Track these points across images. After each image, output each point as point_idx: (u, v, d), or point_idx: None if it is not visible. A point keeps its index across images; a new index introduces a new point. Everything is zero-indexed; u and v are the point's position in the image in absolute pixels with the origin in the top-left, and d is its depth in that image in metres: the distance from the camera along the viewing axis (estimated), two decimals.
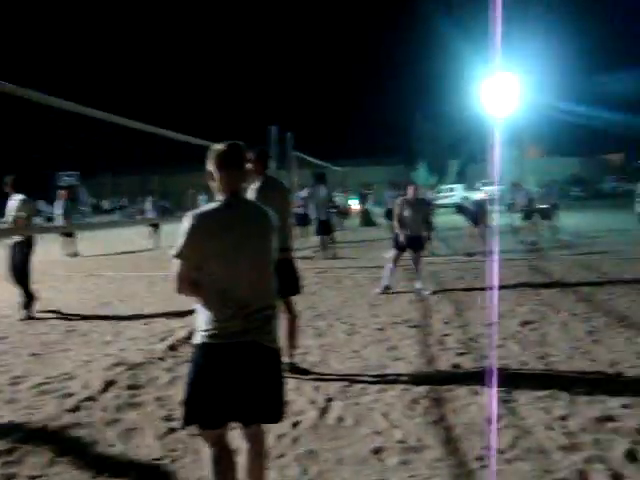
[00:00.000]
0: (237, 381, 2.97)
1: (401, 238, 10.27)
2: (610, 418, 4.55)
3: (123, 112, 7.16)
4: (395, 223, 10.47)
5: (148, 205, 21.55)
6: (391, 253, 10.55)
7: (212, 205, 3.10)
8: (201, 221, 2.99)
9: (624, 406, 4.77)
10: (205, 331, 3.00)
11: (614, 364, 5.86)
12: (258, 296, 3.06)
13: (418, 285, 10.20)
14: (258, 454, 3.24)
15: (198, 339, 3.03)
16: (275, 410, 3.15)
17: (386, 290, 10.25)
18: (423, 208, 10.71)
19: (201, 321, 3.03)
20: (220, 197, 3.14)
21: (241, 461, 3.23)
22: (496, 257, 10.03)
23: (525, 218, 18.19)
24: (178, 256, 2.98)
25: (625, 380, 5.43)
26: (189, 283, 3.01)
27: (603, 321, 7.65)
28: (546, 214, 17.97)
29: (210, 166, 3.16)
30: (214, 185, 3.17)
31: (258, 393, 3.03)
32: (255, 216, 3.19)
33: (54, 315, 8.96)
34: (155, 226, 20.25)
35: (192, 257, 2.97)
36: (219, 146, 3.17)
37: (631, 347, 6.43)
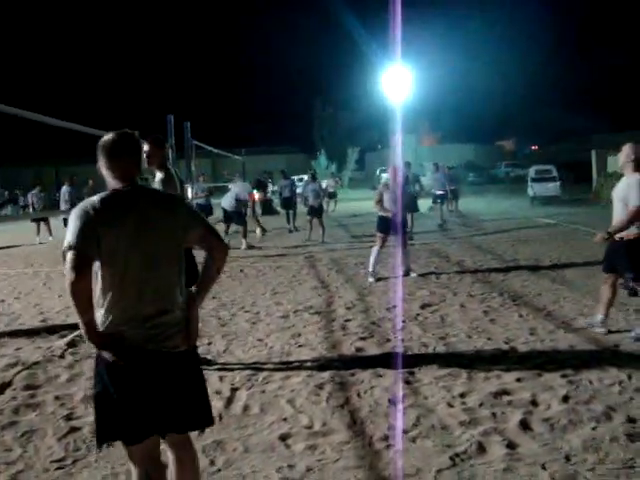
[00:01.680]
0: (145, 390, 2.73)
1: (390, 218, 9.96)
2: (506, 392, 4.76)
3: (17, 102, 6.87)
4: (377, 206, 10.18)
5: (34, 198, 20.68)
6: (377, 237, 10.31)
7: (102, 194, 2.84)
8: (95, 211, 2.73)
9: (518, 380, 5.00)
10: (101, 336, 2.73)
11: (509, 341, 6.11)
12: (158, 297, 2.78)
13: (402, 266, 10.11)
14: (189, 461, 3.00)
15: (94, 349, 2.78)
16: (194, 416, 2.93)
17: (375, 276, 10.02)
18: (403, 191, 10.42)
19: (100, 325, 2.74)
20: (111, 186, 2.91)
21: (172, 472, 2.98)
22: (397, 242, 10.18)
23: (434, 202, 18.80)
24: (70, 247, 2.67)
25: (519, 355, 5.68)
26: (86, 277, 2.68)
27: (499, 301, 7.97)
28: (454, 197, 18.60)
29: (102, 157, 2.92)
30: (108, 177, 2.92)
31: (173, 400, 2.79)
32: (155, 205, 2.91)
33: None
34: (43, 220, 19.44)
35: (86, 248, 2.67)
36: (110, 135, 2.94)
37: (524, 324, 6.73)
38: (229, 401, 4.87)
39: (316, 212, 16.46)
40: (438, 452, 3.82)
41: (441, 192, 18.62)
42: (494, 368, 5.32)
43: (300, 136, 65.10)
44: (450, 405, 4.56)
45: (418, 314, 7.42)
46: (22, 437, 4.35)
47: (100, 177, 2.99)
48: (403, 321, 7.07)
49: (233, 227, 15.81)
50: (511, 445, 3.88)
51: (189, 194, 17.17)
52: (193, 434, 4.18)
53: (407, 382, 5.08)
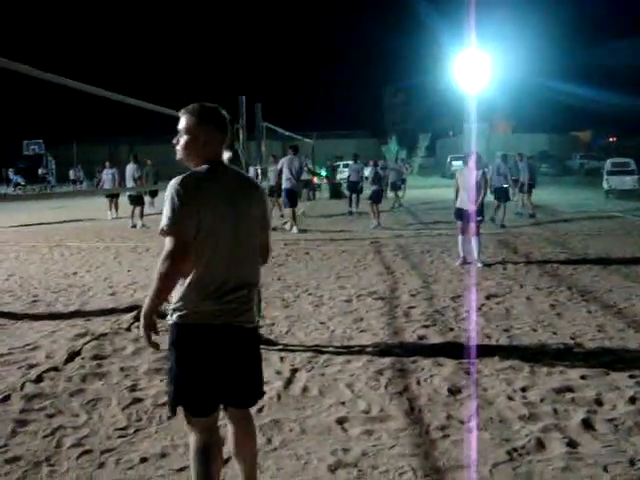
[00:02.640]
0: (215, 363, 2.80)
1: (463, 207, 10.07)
2: (569, 389, 4.64)
3: (94, 81, 7.03)
4: (455, 194, 10.25)
5: (106, 175, 21.21)
6: (457, 224, 10.36)
7: (198, 171, 2.80)
8: (194, 186, 2.71)
9: (583, 377, 4.88)
10: (179, 310, 2.77)
11: (575, 337, 5.97)
12: (238, 274, 2.81)
13: (475, 255, 10.09)
14: (249, 435, 3.07)
15: (173, 318, 2.79)
16: (255, 391, 3.02)
17: (464, 261, 10.09)
18: (482, 179, 10.34)
19: (176, 299, 2.77)
20: (198, 165, 2.85)
21: (231, 444, 3.07)
22: (465, 233, 10.07)
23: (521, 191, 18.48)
24: (170, 229, 2.65)
25: (585, 352, 5.54)
26: (185, 263, 2.68)
27: (567, 295, 7.78)
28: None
29: (191, 126, 2.83)
30: (194, 150, 2.85)
31: (238, 375, 2.87)
32: (243, 186, 2.92)
33: (19, 286, 8.85)
34: (115, 196, 19.95)
35: (189, 228, 2.67)
36: (206, 104, 2.88)
37: (592, 320, 6.56)
38: (289, 382, 4.91)
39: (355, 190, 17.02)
40: (495, 445, 3.77)
41: (529, 182, 18.16)
42: (558, 363, 5.21)
43: (371, 121, 64.82)
44: (510, 398, 4.48)
45: (483, 304, 7.32)
46: (88, 404, 4.51)
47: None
48: (467, 311, 6.99)
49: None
50: (572, 444, 3.78)
51: (251, 174, 17.32)
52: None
53: (467, 373, 5.03)
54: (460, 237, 10.25)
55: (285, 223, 16.06)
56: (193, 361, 2.79)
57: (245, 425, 3.05)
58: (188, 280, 2.74)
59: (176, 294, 2.77)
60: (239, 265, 2.83)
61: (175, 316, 2.78)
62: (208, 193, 2.73)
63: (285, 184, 15.39)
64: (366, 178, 19.53)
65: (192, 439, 2.90)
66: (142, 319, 2.74)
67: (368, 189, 16.77)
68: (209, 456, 2.86)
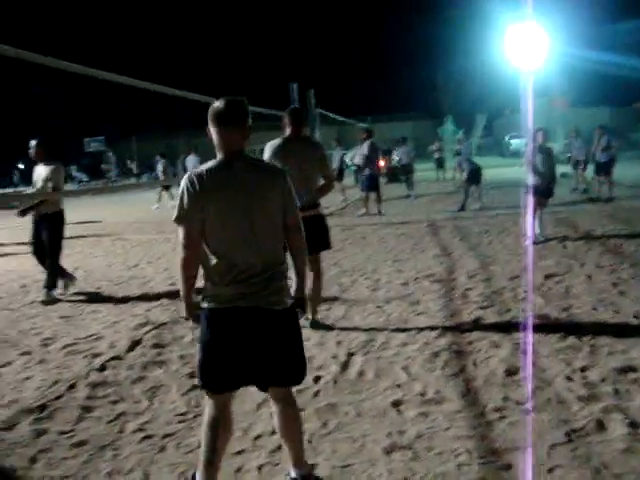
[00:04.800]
0: (242, 345, 2.94)
1: (539, 184, 10.05)
2: (631, 369, 4.53)
3: (146, 76, 7.17)
4: (530, 170, 10.14)
5: (159, 166, 21.65)
6: (530, 200, 10.15)
7: (210, 164, 3.02)
8: (198, 180, 2.92)
9: None
10: (207, 295, 2.99)
11: (639, 315, 5.82)
12: (258, 258, 2.94)
13: (537, 230, 10.09)
14: (288, 416, 3.17)
15: (203, 303, 3.02)
16: (291, 372, 3.10)
17: (538, 239, 10.00)
18: (550, 156, 10.47)
19: (204, 284, 3.01)
20: (219, 154, 3.05)
21: (275, 423, 3.22)
22: (522, 212, 9.92)
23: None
24: (180, 220, 2.94)
25: None
26: (196, 251, 2.95)
27: (630, 272, 7.58)
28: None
29: (210, 124, 3.06)
30: (216, 145, 3.07)
31: (267, 356, 2.97)
32: (255, 173, 3.04)
33: (83, 279, 9.10)
34: (166, 188, 20.34)
35: (193, 218, 2.91)
36: (216, 102, 3.06)
37: None
38: (345, 366, 4.94)
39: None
40: (553, 427, 3.71)
41: (582, 158, 17.77)
42: (619, 343, 5.09)
43: (426, 103, 64.01)
44: (569, 379, 4.41)
45: (542, 284, 7.19)
46: (149, 391, 4.64)
47: (208, 145, 3.14)
48: (525, 291, 6.88)
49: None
50: (634, 425, 3.69)
51: None
52: (308, 396, 4.33)
53: (525, 353, 4.96)
54: (533, 214, 10.05)
55: (344, 208, 16.05)
56: (214, 342, 2.99)
57: (285, 406, 3.17)
58: (207, 267, 2.98)
59: (203, 282, 3.00)
60: (255, 249, 2.96)
61: (203, 301, 3.02)
62: (216, 184, 2.93)
63: (369, 171, 15.38)
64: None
65: (205, 411, 3.12)
66: (182, 302, 3.10)
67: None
68: (215, 429, 3.03)
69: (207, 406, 3.10)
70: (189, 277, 3.01)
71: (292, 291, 3.17)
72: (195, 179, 2.93)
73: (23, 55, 4.80)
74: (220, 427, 3.05)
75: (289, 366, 3.09)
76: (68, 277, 8.24)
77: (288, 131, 5.89)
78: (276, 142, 5.83)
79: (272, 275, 2.99)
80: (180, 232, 2.94)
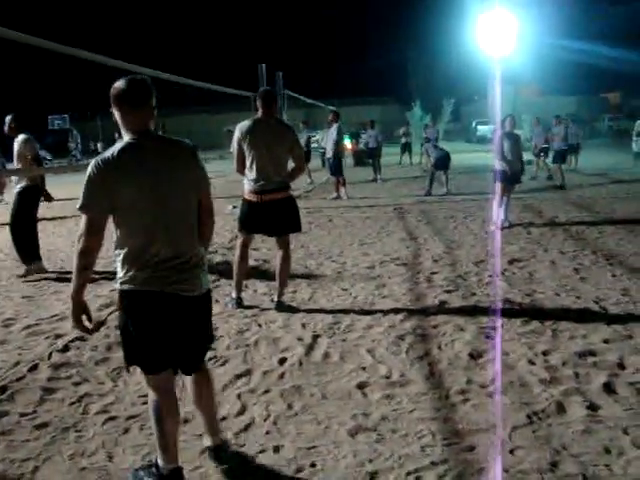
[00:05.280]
0: (158, 326, 2.94)
1: (507, 170, 10.11)
2: (591, 352, 4.62)
3: (113, 53, 7.05)
4: (497, 157, 10.18)
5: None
6: (497, 186, 10.27)
7: (117, 147, 2.86)
8: (106, 166, 2.78)
9: (605, 341, 4.85)
10: (120, 278, 2.93)
11: (599, 300, 5.93)
12: (171, 243, 2.90)
13: (502, 216, 10.16)
14: (203, 385, 3.27)
15: (117, 285, 2.97)
16: (191, 358, 3.17)
17: (503, 224, 10.03)
18: (519, 142, 10.63)
19: (117, 268, 2.95)
20: (125, 138, 2.91)
21: (191, 395, 3.31)
22: (487, 197, 10.03)
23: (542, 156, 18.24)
24: (83, 208, 2.81)
25: (609, 316, 5.50)
26: (97, 240, 2.84)
27: (591, 259, 7.72)
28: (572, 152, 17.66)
29: (114, 107, 2.91)
30: (122, 127, 2.93)
31: (182, 340, 3.02)
32: (166, 152, 2.95)
33: (46, 258, 8.96)
34: None
35: (97, 206, 2.80)
36: (117, 83, 2.91)
37: (617, 284, 6.50)
38: (310, 348, 4.95)
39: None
40: (515, 409, 3.77)
41: (564, 148, 17.79)
42: (581, 327, 5.18)
43: (395, 87, 64.05)
44: (531, 362, 4.48)
45: (506, 269, 7.28)
46: (113, 372, 4.59)
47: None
48: (490, 276, 6.96)
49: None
50: (592, 407, 3.77)
51: None
52: (273, 378, 4.33)
53: (489, 337, 5.02)
54: (499, 200, 10.14)
55: (310, 191, 16.03)
56: (136, 323, 2.95)
57: (200, 376, 3.25)
58: (120, 251, 2.91)
59: (117, 266, 2.94)
60: (167, 233, 2.90)
61: (118, 283, 2.95)
62: (125, 168, 2.80)
63: (331, 153, 15.31)
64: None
65: (149, 395, 3.11)
66: (71, 302, 2.96)
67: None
68: (163, 408, 3.02)
69: (150, 391, 3.09)
70: (85, 267, 2.88)
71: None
72: (102, 164, 2.79)
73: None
74: (165, 411, 3.03)
75: (193, 351, 3.15)
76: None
77: (259, 113, 5.86)
78: (246, 123, 5.81)
79: (187, 262, 2.96)
80: (83, 220, 2.82)
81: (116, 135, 21.00)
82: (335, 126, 15.36)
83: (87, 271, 2.90)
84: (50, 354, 4.97)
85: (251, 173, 5.77)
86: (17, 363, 4.82)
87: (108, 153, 2.84)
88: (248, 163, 5.78)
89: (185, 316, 2.99)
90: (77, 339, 5.30)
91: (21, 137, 7.83)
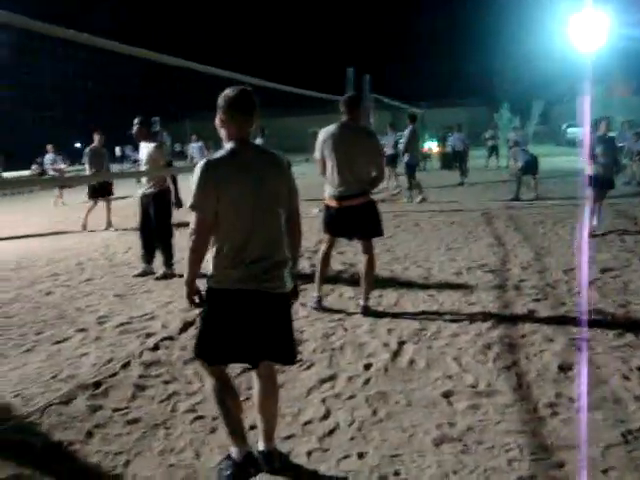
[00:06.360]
0: (241, 324, 3.10)
1: (599, 175, 9.88)
2: None
3: (200, 58, 7.20)
4: (589, 161, 9.98)
5: (191, 149, 21.86)
6: (588, 193, 10.08)
7: (221, 152, 3.11)
8: (212, 170, 3.01)
9: None
10: (211, 276, 3.12)
11: None
12: (263, 245, 3.09)
13: (595, 222, 9.95)
14: (269, 392, 3.36)
15: (206, 283, 3.15)
16: (283, 350, 3.27)
17: (593, 232, 9.79)
18: (613, 147, 10.36)
19: (210, 266, 3.13)
20: (228, 144, 3.14)
21: (255, 399, 3.38)
22: (578, 202, 9.73)
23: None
24: (194, 208, 3.03)
25: None
26: (208, 237, 3.07)
27: None
28: None
29: (222, 113, 3.15)
30: (223, 133, 3.18)
31: (263, 334, 3.15)
32: (265, 163, 3.17)
33: (137, 258, 9.23)
34: None
35: (208, 207, 3.01)
36: (227, 91, 3.15)
37: None
38: (395, 354, 4.93)
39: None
40: (608, 426, 3.64)
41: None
42: None
43: (483, 89, 62.95)
44: (626, 377, 4.31)
45: (598, 278, 7.04)
46: (201, 372, 4.68)
47: (211, 132, 3.24)
48: (581, 285, 6.75)
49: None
50: None
51: None
52: (358, 384, 4.34)
53: (579, 349, 4.87)
54: (592, 206, 9.86)
55: (397, 194, 15.95)
56: (216, 319, 3.15)
57: (267, 382, 3.35)
58: (215, 250, 3.09)
59: (209, 263, 3.13)
60: (261, 235, 3.10)
61: (208, 281, 3.15)
62: (227, 172, 3.03)
63: (408, 157, 15.24)
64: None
65: (208, 382, 3.36)
66: (185, 287, 3.19)
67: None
68: (225, 392, 3.26)
69: (207, 380, 3.34)
70: (196, 261, 3.12)
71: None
72: (212, 167, 3.03)
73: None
74: (226, 395, 3.25)
75: (282, 344, 3.25)
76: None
77: (344, 118, 5.89)
78: (329, 128, 5.89)
79: (276, 262, 3.14)
80: (193, 218, 3.04)
81: (193, 138, 21.53)
82: (410, 128, 15.23)
83: (199, 264, 3.13)
84: (141, 352, 5.14)
85: (331, 178, 5.85)
86: (110, 360, 5.01)
87: (215, 156, 3.11)
88: (329, 168, 5.86)
89: (272, 312, 3.18)
90: (166, 338, 5.46)
91: (153, 143, 7.95)
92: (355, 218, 5.86)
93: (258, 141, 20.97)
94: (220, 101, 3.15)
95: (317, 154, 5.98)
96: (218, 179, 2.99)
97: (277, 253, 3.16)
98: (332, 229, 6.04)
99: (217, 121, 3.19)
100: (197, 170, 3.04)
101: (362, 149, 5.77)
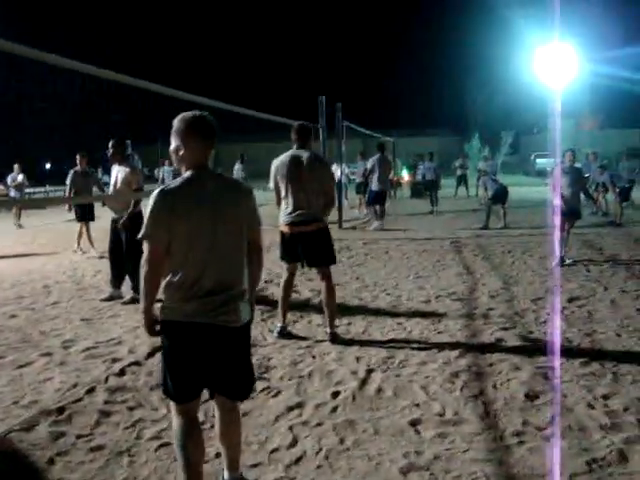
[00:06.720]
0: (197, 357, 2.99)
1: (563, 206, 9.88)
2: None
3: (171, 82, 7.20)
4: (553, 191, 10.07)
5: (163, 173, 21.78)
6: (557, 221, 10.02)
7: (179, 180, 2.98)
8: (166, 199, 2.90)
9: None
10: (163, 308, 2.99)
11: None
12: (218, 277, 2.97)
13: (562, 252, 9.95)
14: (231, 422, 3.27)
15: (159, 315, 3.03)
16: (239, 386, 3.20)
17: (561, 262, 9.78)
18: (579, 177, 10.47)
19: (164, 297, 3.00)
20: (185, 172, 3.03)
21: (217, 428, 3.31)
22: (546, 232, 9.85)
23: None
24: (145, 238, 2.92)
25: None
26: (160, 266, 2.94)
27: None
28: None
29: (175, 137, 3.01)
30: (178, 159, 3.03)
31: (219, 369, 3.05)
32: (224, 191, 3.05)
33: (105, 282, 9.14)
34: None
35: (160, 237, 2.90)
36: (184, 115, 3.02)
37: None
38: (363, 382, 4.92)
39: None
40: (574, 455, 3.65)
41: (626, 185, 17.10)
42: None
43: (453, 119, 63.84)
44: (591, 406, 4.34)
45: (564, 307, 7.12)
46: (167, 399, 4.61)
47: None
48: (548, 314, 6.82)
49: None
50: None
51: (337, 174, 17.46)
52: (326, 411, 4.31)
53: (546, 377, 4.90)
54: (559, 235, 9.97)
55: (367, 222, 16.06)
56: (175, 354, 3.03)
57: (229, 413, 3.24)
58: (167, 281, 2.97)
59: (163, 295, 2.99)
60: (217, 267, 2.97)
61: (161, 313, 3.01)
62: (183, 202, 2.91)
63: (375, 185, 15.33)
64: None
65: (174, 422, 3.14)
66: (143, 316, 3.07)
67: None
68: (188, 437, 3.04)
69: (174, 418, 3.13)
70: (151, 291, 2.98)
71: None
72: (166, 198, 2.91)
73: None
74: (189, 441, 3.05)
75: (235, 379, 3.16)
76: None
77: (295, 146, 6.03)
78: (282, 157, 6.05)
79: (232, 294, 3.02)
80: (145, 248, 2.93)
81: (166, 162, 21.47)
82: (377, 157, 15.37)
83: (154, 293, 3.00)
84: (107, 378, 5.06)
85: (285, 205, 5.97)
86: (75, 385, 4.93)
87: (171, 185, 2.97)
88: (282, 195, 5.98)
89: (228, 346, 3.05)
90: (133, 364, 5.39)
91: (128, 167, 7.88)
92: (307, 244, 5.94)
93: (237, 167, 21.09)
94: (178, 125, 3.02)
95: (271, 184, 6.10)
96: (172, 209, 2.87)
97: (234, 285, 3.04)
98: (288, 255, 6.09)
99: (172, 147, 3.04)
100: (151, 199, 2.92)
101: (314, 175, 5.89)
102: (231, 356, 3.09)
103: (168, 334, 3.03)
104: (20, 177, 19.33)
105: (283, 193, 5.95)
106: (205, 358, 3.01)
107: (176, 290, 2.94)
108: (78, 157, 12.48)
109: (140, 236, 2.93)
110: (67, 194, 12.51)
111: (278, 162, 6.01)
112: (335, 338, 5.97)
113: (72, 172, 12.32)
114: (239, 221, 3.08)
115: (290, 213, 5.91)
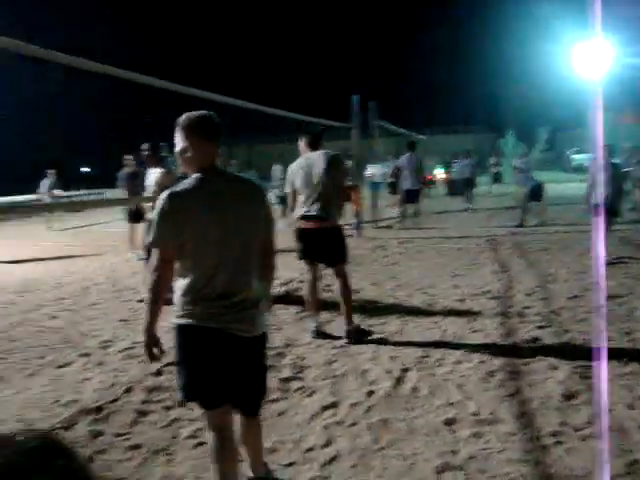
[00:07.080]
0: (214, 362, 2.92)
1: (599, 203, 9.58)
2: None
3: (206, 85, 7.28)
4: (591, 189, 9.88)
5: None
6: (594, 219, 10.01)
7: (188, 182, 2.88)
8: (179, 203, 2.79)
9: None
10: (177, 312, 2.93)
11: None
12: (230, 280, 2.87)
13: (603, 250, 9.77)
14: (253, 426, 3.25)
15: (173, 320, 2.95)
16: (250, 401, 3.17)
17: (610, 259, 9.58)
18: (617, 173, 10.25)
19: (176, 303, 2.95)
20: (193, 172, 2.94)
21: (239, 432, 3.25)
22: (583, 229, 9.70)
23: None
24: (154, 244, 2.84)
25: None
26: (167, 275, 2.86)
27: None
28: None
29: (182, 138, 2.94)
30: (186, 160, 2.95)
31: (231, 379, 2.97)
32: (236, 192, 2.96)
33: (142, 282, 9.25)
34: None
35: (170, 242, 2.82)
36: (190, 115, 2.94)
37: None
38: (398, 381, 4.92)
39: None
40: (613, 456, 3.60)
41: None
42: None
43: (489, 115, 63.20)
44: (630, 407, 4.28)
45: (603, 305, 7.01)
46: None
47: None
48: (585, 312, 6.73)
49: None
50: None
51: (375, 172, 17.42)
52: (360, 411, 4.32)
53: (583, 377, 4.84)
54: (599, 234, 9.81)
55: (400, 221, 16.03)
56: (193, 358, 2.94)
57: (247, 418, 3.22)
58: (179, 285, 2.90)
59: (175, 299, 2.93)
60: (229, 270, 2.88)
61: (175, 318, 2.94)
62: (193, 204, 2.81)
63: (406, 184, 15.29)
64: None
65: (208, 436, 3.05)
66: (143, 334, 2.96)
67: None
68: (221, 454, 2.97)
69: (208, 432, 3.05)
70: (157, 300, 2.89)
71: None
72: (174, 199, 2.81)
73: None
74: (223, 457, 2.98)
75: (249, 394, 3.13)
76: None
77: (306, 152, 6.13)
78: (299, 161, 6.10)
79: (244, 300, 2.93)
80: (154, 254, 2.85)
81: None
82: (407, 155, 15.29)
83: (157, 304, 2.91)
84: (144, 377, 5.13)
85: (300, 206, 6.04)
86: (113, 385, 5.01)
87: (179, 188, 2.87)
88: (300, 196, 6.04)
89: (239, 357, 2.97)
90: (170, 364, 5.43)
91: (161, 169, 7.86)
92: (320, 242, 6.00)
93: (274, 167, 21.09)
94: (184, 125, 2.93)
95: (288, 187, 6.17)
96: (182, 212, 2.78)
97: (246, 290, 2.93)
98: (305, 254, 6.16)
99: (179, 149, 2.96)
100: (159, 202, 2.82)
101: (329, 176, 5.91)
102: (243, 368, 3.01)
103: (186, 338, 2.94)
104: (56, 185, 19.37)
105: (300, 193, 6.01)
106: (219, 364, 2.92)
107: (189, 292, 2.87)
108: (128, 158, 12.61)
109: (148, 243, 2.88)
110: (125, 196, 12.60)
111: (296, 165, 6.07)
112: (351, 334, 5.97)
113: (124, 174, 12.45)
114: (251, 221, 2.98)
115: (307, 210, 5.96)
